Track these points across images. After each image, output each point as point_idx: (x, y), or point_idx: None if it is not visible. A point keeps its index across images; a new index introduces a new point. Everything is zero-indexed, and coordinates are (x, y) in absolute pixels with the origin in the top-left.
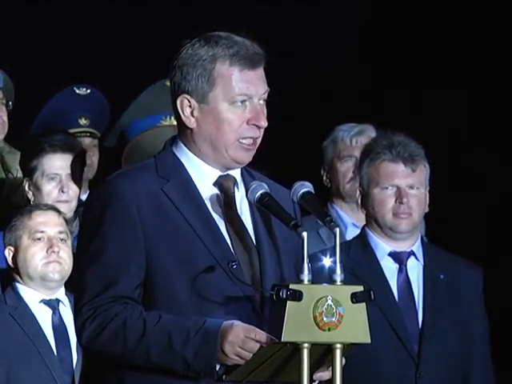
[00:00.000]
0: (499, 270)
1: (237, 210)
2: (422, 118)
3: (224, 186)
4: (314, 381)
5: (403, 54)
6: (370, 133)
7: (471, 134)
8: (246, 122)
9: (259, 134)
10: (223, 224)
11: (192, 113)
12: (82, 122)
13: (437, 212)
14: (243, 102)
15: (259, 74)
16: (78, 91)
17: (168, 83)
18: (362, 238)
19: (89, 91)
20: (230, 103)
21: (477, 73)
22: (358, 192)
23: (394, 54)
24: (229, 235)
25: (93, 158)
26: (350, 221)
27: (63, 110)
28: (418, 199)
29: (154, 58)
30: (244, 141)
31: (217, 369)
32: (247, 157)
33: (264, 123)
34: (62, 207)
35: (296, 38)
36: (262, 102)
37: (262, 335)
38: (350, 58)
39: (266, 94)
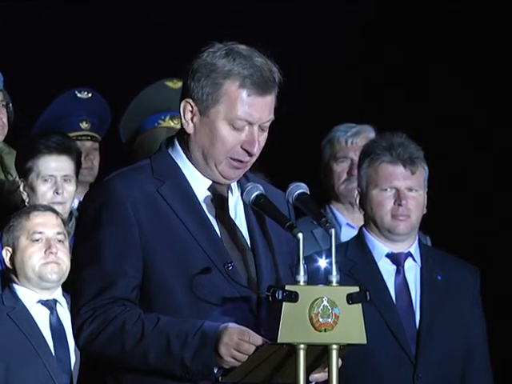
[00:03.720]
0: (496, 270)
1: (229, 212)
2: (422, 117)
3: (217, 189)
4: (311, 382)
5: (405, 53)
6: (368, 133)
7: (471, 134)
8: (239, 145)
9: (249, 159)
10: (218, 226)
11: (192, 119)
12: (83, 125)
13: (436, 213)
14: (243, 126)
15: (267, 101)
16: (79, 95)
17: (167, 82)
18: (360, 239)
19: (90, 95)
20: (229, 124)
21: (480, 74)
22: (356, 192)
23: (396, 53)
24: (224, 237)
25: (94, 162)
26: (345, 221)
27: (64, 114)
28: (416, 201)
29: (155, 61)
30: (233, 161)
31: (215, 371)
32: (235, 174)
33: (256, 152)
34: (57, 209)
35: (296, 38)
36: (263, 128)
37: (256, 338)
38: (351, 58)
39: (269, 122)
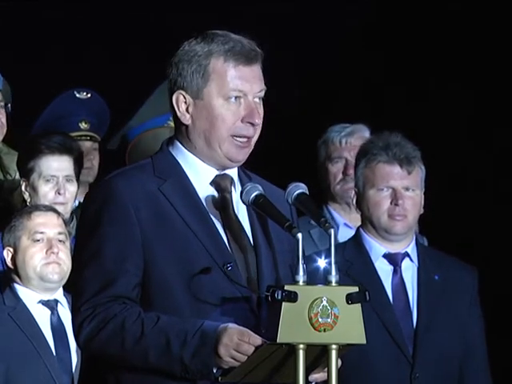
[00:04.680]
0: (495, 271)
1: (234, 210)
2: (422, 117)
3: (221, 185)
4: (310, 382)
5: (405, 53)
6: (362, 133)
7: (471, 135)
8: (240, 119)
9: (253, 132)
10: (220, 224)
11: (187, 109)
12: (83, 125)
13: (435, 213)
14: (237, 98)
15: (255, 71)
16: (78, 95)
17: None
18: (357, 239)
19: (89, 95)
20: (225, 99)
21: (480, 74)
22: (353, 192)
23: (395, 53)
24: (226, 235)
25: (93, 162)
26: (342, 221)
27: (64, 114)
28: (413, 201)
29: (155, 61)
30: (238, 138)
31: (214, 371)
32: (241, 154)
33: (258, 121)
34: (58, 209)
35: (295, 37)
36: (257, 100)
37: (255, 338)
38: (351, 57)
39: (263, 92)
